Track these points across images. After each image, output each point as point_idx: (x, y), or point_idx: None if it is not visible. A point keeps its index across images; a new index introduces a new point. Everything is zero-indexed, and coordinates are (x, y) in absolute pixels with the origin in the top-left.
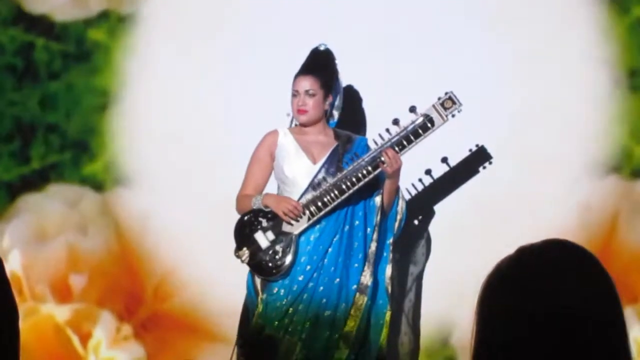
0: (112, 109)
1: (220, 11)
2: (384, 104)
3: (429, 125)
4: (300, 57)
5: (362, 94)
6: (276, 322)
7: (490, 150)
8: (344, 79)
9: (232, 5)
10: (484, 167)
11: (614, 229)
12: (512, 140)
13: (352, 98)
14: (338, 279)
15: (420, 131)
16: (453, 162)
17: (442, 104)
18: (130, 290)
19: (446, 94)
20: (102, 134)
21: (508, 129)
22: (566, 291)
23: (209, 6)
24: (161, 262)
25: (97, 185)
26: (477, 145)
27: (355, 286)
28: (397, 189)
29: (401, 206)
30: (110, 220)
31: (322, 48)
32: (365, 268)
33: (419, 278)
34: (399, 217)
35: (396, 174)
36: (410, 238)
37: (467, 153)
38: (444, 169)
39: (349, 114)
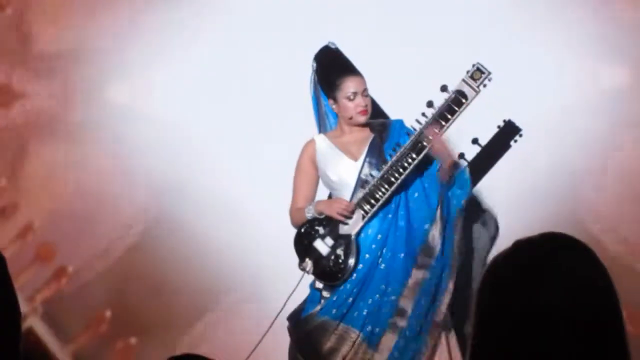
0: None
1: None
2: (412, 89)
3: (463, 99)
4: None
5: (389, 79)
6: (334, 310)
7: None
8: (367, 67)
9: None
10: (515, 141)
11: None
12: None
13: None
14: (403, 254)
15: (455, 107)
16: (483, 141)
17: (471, 77)
18: None
19: (473, 65)
20: None
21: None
22: (563, 285)
23: None
24: None
25: None
26: (504, 121)
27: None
28: (455, 165)
29: (467, 176)
30: None
31: (333, 47)
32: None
33: (484, 262)
34: (468, 187)
35: (444, 152)
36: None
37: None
38: (476, 150)
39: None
